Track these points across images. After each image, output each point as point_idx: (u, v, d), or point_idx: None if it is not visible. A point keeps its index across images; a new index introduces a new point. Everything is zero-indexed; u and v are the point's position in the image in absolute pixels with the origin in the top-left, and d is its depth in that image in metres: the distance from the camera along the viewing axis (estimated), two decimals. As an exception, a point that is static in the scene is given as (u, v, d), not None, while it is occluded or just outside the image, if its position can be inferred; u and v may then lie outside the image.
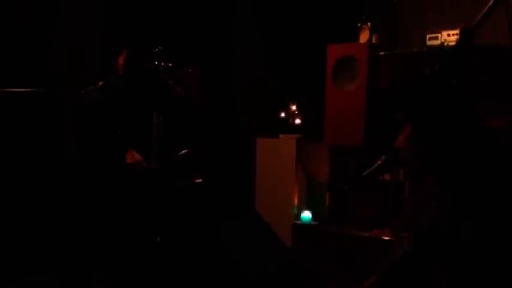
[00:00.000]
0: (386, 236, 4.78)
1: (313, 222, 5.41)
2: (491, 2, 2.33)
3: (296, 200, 5.48)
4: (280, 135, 5.74)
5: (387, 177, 4.89)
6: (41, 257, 4.44)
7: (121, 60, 4.45)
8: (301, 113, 5.78)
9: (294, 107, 5.80)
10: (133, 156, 4.33)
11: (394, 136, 2.37)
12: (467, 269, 2.06)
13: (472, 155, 2.14)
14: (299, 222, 5.42)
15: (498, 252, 2.04)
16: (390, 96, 4.69)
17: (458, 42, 2.42)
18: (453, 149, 2.15)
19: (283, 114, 5.82)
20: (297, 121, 5.76)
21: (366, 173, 2.47)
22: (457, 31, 4.76)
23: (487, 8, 2.34)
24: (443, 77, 2.21)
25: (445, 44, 4.82)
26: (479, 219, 2.07)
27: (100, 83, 4.41)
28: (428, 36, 4.93)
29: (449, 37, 4.81)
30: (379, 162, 2.45)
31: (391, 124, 2.40)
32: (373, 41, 5.23)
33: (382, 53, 5.09)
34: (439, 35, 4.88)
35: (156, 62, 4.51)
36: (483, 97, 2.37)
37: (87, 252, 4.21)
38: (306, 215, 5.42)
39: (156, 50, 4.53)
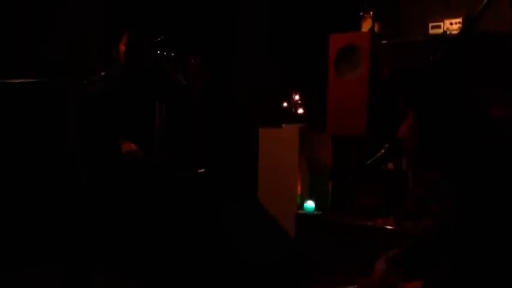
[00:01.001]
0: (390, 225, 4.79)
1: (316, 212, 5.41)
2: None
3: (299, 190, 5.47)
4: (283, 125, 5.73)
5: (390, 166, 4.89)
6: (42, 248, 4.45)
7: (122, 47, 4.43)
8: (303, 103, 5.77)
9: (296, 97, 5.79)
10: (129, 146, 4.32)
11: (396, 125, 2.37)
12: (472, 261, 2.05)
13: (474, 144, 2.13)
14: (302, 211, 5.42)
15: (502, 244, 2.04)
16: (392, 85, 4.68)
17: (461, 30, 2.41)
18: (455, 138, 2.15)
19: (285, 104, 5.81)
20: (300, 111, 5.75)
21: (369, 162, 2.47)
22: (459, 19, 4.75)
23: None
24: (446, 65, 2.20)
25: (448, 32, 4.81)
26: (482, 210, 2.06)
27: (102, 73, 4.40)
28: (430, 24, 4.93)
29: (452, 25, 4.80)
30: (382, 151, 2.44)
31: (394, 113, 2.40)
32: (375, 30, 5.22)
33: (384, 41, 5.08)
34: (442, 24, 4.87)
35: (158, 52, 4.51)
36: (486, 86, 2.36)
37: (89, 242, 4.21)
38: (309, 204, 5.42)
39: (158, 39, 4.52)
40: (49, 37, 5.37)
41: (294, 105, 5.77)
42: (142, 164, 4.28)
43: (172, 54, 4.59)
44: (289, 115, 5.78)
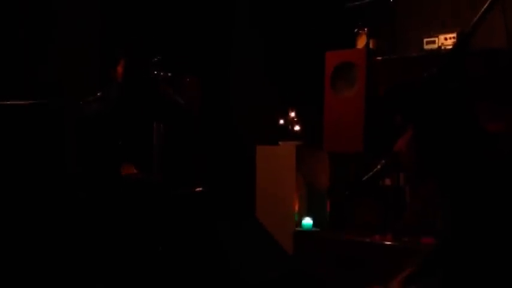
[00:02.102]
0: (388, 241, 4.79)
1: (314, 229, 5.41)
2: (487, 4, 2.33)
3: (297, 207, 5.47)
4: (280, 142, 5.74)
5: (387, 182, 4.90)
6: (42, 267, 4.43)
7: (120, 69, 4.45)
8: (300, 120, 5.78)
9: (293, 114, 5.80)
10: (129, 168, 4.32)
11: (393, 141, 2.37)
12: (468, 273, 2.06)
13: (472, 159, 2.14)
14: (300, 229, 5.42)
15: (499, 256, 2.04)
16: (389, 101, 4.69)
17: (455, 45, 2.43)
18: (453, 152, 2.15)
19: (282, 121, 5.82)
20: (296, 128, 5.76)
21: (365, 178, 2.47)
22: (454, 35, 4.77)
23: (483, 10, 2.34)
24: (441, 80, 2.21)
25: (443, 47, 4.83)
26: (480, 224, 2.07)
27: (99, 94, 4.42)
28: (425, 40, 4.94)
29: (447, 41, 4.82)
30: (378, 167, 2.44)
31: (391, 129, 2.40)
32: (371, 46, 5.23)
33: (379, 58, 5.10)
34: (436, 39, 4.89)
35: (155, 72, 4.52)
36: (481, 100, 2.37)
37: (87, 263, 4.21)
38: (307, 221, 5.42)
39: (155, 59, 4.53)
40: (46, 58, 5.39)
41: (291, 122, 5.79)
42: (141, 185, 4.28)
43: (169, 74, 4.60)
44: (286, 132, 5.79)
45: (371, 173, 2.44)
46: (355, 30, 5.32)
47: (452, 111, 2.16)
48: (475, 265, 2.04)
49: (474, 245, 2.05)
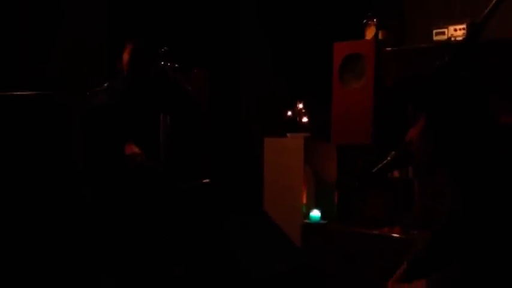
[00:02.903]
0: (396, 234, 4.77)
1: (322, 221, 5.40)
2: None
3: (305, 199, 5.46)
4: (288, 134, 5.72)
5: (396, 174, 4.87)
6: (47, 259, 4.43)
7: (126, 56, 4.41)
8: (308, 112, 5.76)
9: (300, 106, 5.78)
10: (131, 149, 4.30)
11: (402, 133, 2.35)
12: (481, 265, 2.04)
13: (484, 149, 2.12)
14: (308, 221, 5.40)
15: (508, 246, 2.02)
16: (399, 91, 4.67)
17: (467, 36, 2.40)
18: (466, 142, 2.14)
19: (290, 113, 5.80)
20: (304, 120, 5.74)
21: (375, 170, 2.45)
22: (463, 26, 4.73)
23: (494, 1, 2.31)
24: (453, 69, 2.19)
25: (452, 38, 4.79)
26: (491, 215, 2.05)
27: (105, 85, 4.39)
28: (434, 31, 4.90)
29: (456, 32, 4.78)
30: (388, 159, 2.42)
31: (399, 121, 2.38)
32: (380, 37, 5.20)
33: (388, 49, 5.07)
34: (446, 30, 4.85)
35: (162, 63, 4.49)
36: (492, 92, 2.34)
37: (92, 256, 4.20)
38: (315, 214, 5.40)
39: (162, 50, 4.51)
40: (53, 51, 5.38)
41: (299, 114, 5.76)
42: (144, 169, 4.26)
43: (176, 65, 4.57)
44: (294, 124, 5.76)
45: (381, 165, 2.42)
46: (364, 21, 5.29)
47: (465, 100, 2.14)
48: (493, 256, 2.02)
49: (488, 235, 2.03)
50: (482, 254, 2.03)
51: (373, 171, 2.45)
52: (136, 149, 4.28)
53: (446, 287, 2.13)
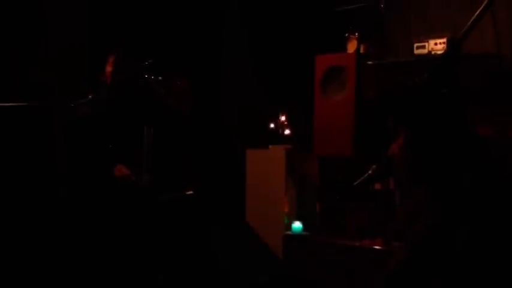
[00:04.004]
0: (378, 245, 4.79)
1: (304, 233, 5.41)
2: (478, 12, 2.34)
3: (287, 211, 5.47)
4: (270, 146, 5.74)
5: (377, 186, 4.90)
6: (31, 272, 4.42)
7: (108, 67, 4.43)
8: (290, 124, 5.79)
9: (283, 118, 5.80)
10: (121, 170, 4.31)
11: (383, 145, 2.39)
12: (461, 277, 2.06)
13: (463, 163, 2.15)
14: (290, 232, 5.41)
15: (490, 259, 2.05)
16: (380, 105, 4.70)
17: (446, 51, 2.44)
18: (444, 156, 2.16)
19: (272, 125, 5.82)
20: (286, 132, 5.76)
21: (357, 182, 2.48)
22: (444, 40, 4.79)
23: (474, 18, 2.35)
24: (432, 85, 2.22)
25: (432, 52, 4.84)
26: (471, 227, 2.07)
27: (89, 96, 4.40)
28: (415, 45, 4.95)
29: (437, 46, 4.83)
30: (369, 172, 2.45)
31: (380, 134, 2.41)
32: (361, 50, 5.25)
33: (370, 62, 5.11)
34: (426, 44, 4.90)
35: (146, 76, 4.51)
36: (472, 105, 2.38)
37: (78, 264, 4.19)
38: (297, 225, 5.41)
39: (147, 63, 4.52)
40: (36, 61, 5.38)
41: (281, 126, 5.79)
42: (132, 188, 4.27)
43: (160, 78, 4.59)
44: (276, 136, 5.79)
45: (362, 178, 2.45)
46: (346, 34, 5.33)
47: (444, 116, 2.18)
48: (470, 270, 2.05)
49: (469, 248, 2.05)
50: (461, 266, 2.06)
51: (355, 184, 2.48)
52: (126, 171, 4.30)
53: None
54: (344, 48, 5.35)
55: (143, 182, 4.31)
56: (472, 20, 2.35)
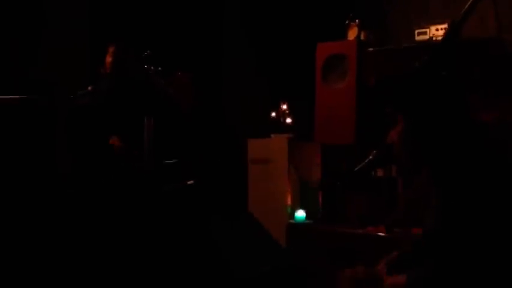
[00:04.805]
0: (381, 233, 4.79)
1: (307, 221, 5.41)
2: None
3: (289, 200, 5.47)
4: (272, 135, 5.74)
5: (380, 173, 4.89)
6: (34, 267, 4.42)
7: (108, 58, 4.42)
8: (292, 113, 5.77)
9: (284, 107, 5.79)
10: (115, 141, 4.31)
11: (385, 132, 2.37)
12: (459, 265, 2.06)
13: (463, 149, 2.14)
14: (293, 221, 5.41)
15: (491, 248, 2.04)
16: (380, 92, 4.69)
17: (446, 34, 2.42)
18: (445, 143, 2.15)
19: (274, 114, 5.81)
20: (288, 120, 5.75)
21: (357, 168, 2.47)
22: (445, 26, 4.76)
23: (472, 1, 2.34)
24: (432, 70, 2.20)
25: (434, 38, 4.82)
26: (472, 214, 2.06)
27: (89, 88, 4.40)
28: (416, 31, 4.93)
29: (438, 32, 4.81)
30: (370, 157, 2.44)
31: (382, 121, 2.40)
32: (362, 38, 5.22)
33: (371, 49, 5.09)
34: (428, 30, 4.88)
35: (146, 66, 4.50)
36: (472, 90, 2.37)
37: (77, 259, 4.19)
38: (300, 214, 5.41)
39: (145, 54, 4.51)
40: (36, 56, 5.37)
41: (283, 115, 5.78)
42: (128, 159, 4.26)
43: (159, 69, 4.58)
44: (278, 125, 5.78)
45: (362, 164, 2.44)
46: (346, 22, 5.31)
47: (444, 101, 2.16)
48: (466, 254, 2.04)
49: (465, 235, 2.05)
50: (456, 254, 2.05)
51: (355, 170, 2.47)
52: (118, 143, 4.30)
53: (418, 285, 2.16)
54: (345, 36, 5.32)
55: (132, 156, 4.30)
56: (469, 3, 2.33)
